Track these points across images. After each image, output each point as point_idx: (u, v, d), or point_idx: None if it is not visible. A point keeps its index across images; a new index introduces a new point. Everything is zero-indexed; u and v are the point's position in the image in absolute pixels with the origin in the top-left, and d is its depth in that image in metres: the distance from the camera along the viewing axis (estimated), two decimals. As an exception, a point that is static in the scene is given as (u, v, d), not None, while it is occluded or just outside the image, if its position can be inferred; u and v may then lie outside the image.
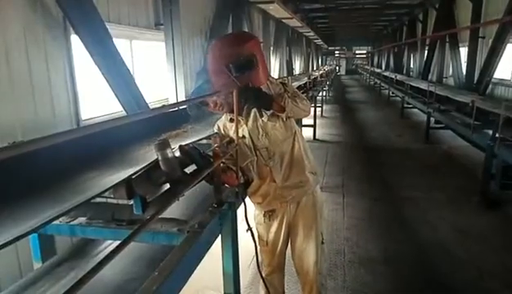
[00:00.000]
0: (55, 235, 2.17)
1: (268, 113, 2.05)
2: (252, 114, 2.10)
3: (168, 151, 1.61)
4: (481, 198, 5.01)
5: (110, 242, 2.21)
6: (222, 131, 2.21)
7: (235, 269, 2.04)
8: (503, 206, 4.88)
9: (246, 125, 2.12)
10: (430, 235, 4.21)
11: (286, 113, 2.02)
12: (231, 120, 2.11)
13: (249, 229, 2.14)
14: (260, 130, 2.11)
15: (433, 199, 5.25)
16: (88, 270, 1.11)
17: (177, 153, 1.76)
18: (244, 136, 2.12)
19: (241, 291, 3.24)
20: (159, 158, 1.63)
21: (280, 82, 2.12)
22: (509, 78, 9.04)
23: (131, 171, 1.82)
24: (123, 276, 1.92)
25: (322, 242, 2.36)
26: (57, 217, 1.52)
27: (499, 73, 8.82)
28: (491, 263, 3.62)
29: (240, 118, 2.04)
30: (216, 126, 2.28)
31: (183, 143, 2.25)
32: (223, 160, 1.85)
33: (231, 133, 2.11)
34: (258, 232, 2.43)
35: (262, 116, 2.09)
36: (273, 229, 2.36)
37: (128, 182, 1.78)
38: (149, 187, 1.79)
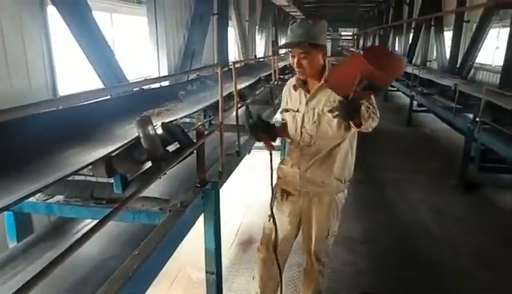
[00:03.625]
0: (32, 214, 2.11)
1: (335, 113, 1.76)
2: (316, 98, 1.97)
3: (150, 128, 1.56)
4: (460, 180, 5.12)
5: (90, 220, 2.16)
6: (288, 89, 2.12)
7: (217, 249, 2.03)
8: (481, 188, 5.00)
9: (306, 104, 2.00)
10: (410, 216, 4.30)
11: (360, 129, 1.86)
12: (295, 87, 2.04)
13: (272, 216, 2.09)
14: (315, 116, 1.97)
15: (414, 181, 5.34)
16: (64, 249, 1.07)
17: (160, 131, 1.71)
18: (298, 110, 2.02)
19: (223, 270, 3.27)
20: (141, 135, 1.58)
21: None
22: (490, 63, 9.17)
23: (111, 148, 1.76)
24: (103, 255, 1.88)
25: (327, 237, 2.22)
26: (32, 194, 1.47)
27: (481, 58, 8.92)
28: (466, 243, 3.73)
29: (303, 91, 1.99)
30: (286, 85, 2.17)
31: (166, 120, 2.20)
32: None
33: (287, 100, 2.08)
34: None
35: (330, 110, 1.85)
36: (284, 211, 2.23)
37: (107, 159, 1.73)
38: (130, 165, 1.75)
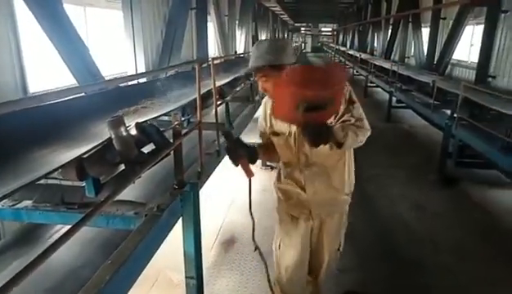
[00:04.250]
0: (-2, 219, 1.99)
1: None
2: None
3: (123, 129, 1.47)
4: (438, 175, 5.20)
5: (62, 226, 2.05)
6: (264, 111, 1.98)
7: (197, 253, 1.96)
8: (458, 183, 5.08)
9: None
10: (389, 211, 4.33)
11: (342, 149, 1.76)
12: None
13: (257, 248, 1.94)
14: None
15: (394, 177, 5.39)
16: (34, 258, 1.00)
17: (134, 132, 1.63)
18: (290, 134, 1.88)
19: (204, 272, 3.19)
20: (113, 137, 1.49)
21: (349, 99, 1.77)
22: (466, 59, 9.36)
23: (86, 148, 1.67)
24: (76, 262, 1.79)
25: (338, 249, 2.24)
26: None
27: (457, 55, 9.09)
28: (445, 238, 3.77)
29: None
30: (263, 103, 2.02)
31: (140, 120, 2.11)
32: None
33: (273, 123, 1.91)
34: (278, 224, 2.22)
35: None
36: (294, 235, 2.10)
37: (78, 162, 1.63)
38: (103, 167, 1.65)
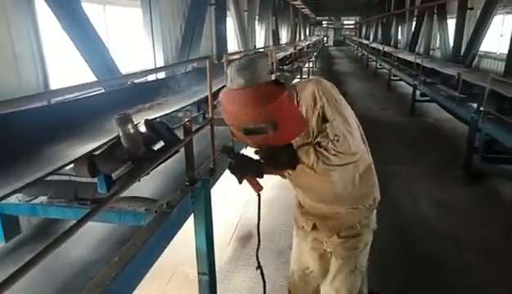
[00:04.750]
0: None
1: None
2: None
3: (130, 126, 1.47)
4: (463, 171, 5.02)
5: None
6: None
7: (209, 249, 1.95)
8: (484, 179, 4.89)
9: None
10: (411, 208, 4.21)
11: (316, 168, 1.54)
12: None
13: (259, 267, 1.82)
14: None
15: (416, 172, 5.25)
16: (39, 251, 1.01)
17: (143, 129, 1.63)
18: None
19: (220, 267, 3.21)
20: (120, 134, 1.49)
21: (322, 117, 1.49)
22: (495, 51, 8.99)
23: (96, 145, 1.69)
24: (90, 258, 1.81)
25: (352, 271, 1.86)
26: (14, 193, 1.40)
27: (485, 46, 8.74)
28: (468, 235, 3.64)
29: None
30: None
31: (154, 116, 2.12)
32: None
33: None
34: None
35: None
36: (309, 242, 1.95)
37: (90, 158, 1.65)
38: (113, 164, 1.66)
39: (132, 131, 1.49)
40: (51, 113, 2.63)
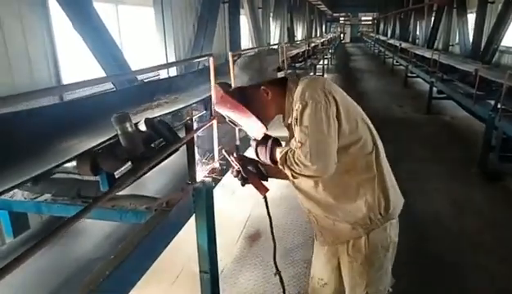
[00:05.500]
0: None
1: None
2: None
3: (128, 125, 1.48)
4: (480, 170, 4.89)
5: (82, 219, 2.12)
6: None
7: (210, 248, 1.95)
8: (501, 179, 4.75)
9: None
10: (426, 207, 4.12)
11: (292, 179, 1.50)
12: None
13: (278, 272, 1.76)
14: None
15: (432, 171, 5.14)
16: (30, 246, 1.03)
17: (144, 127, 1.64)
18: None
19: (228, 265, 3.22)
20: (119, 133, 1.50)
21: (301, 104, 1.37)
22: (517, 46, 8.72)
23: (92, 144, 1.71)
24: (93, 255, 1.84)
25: (367, 293, 1.66)
26: (18, 185, 1.44)
27: (507, 41, 8.47)
28: (484, 237, 3.54)
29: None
30: None
31: (162, 113, 2.13)
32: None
33: None
34: None
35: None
36: (323, 253, 1.84)
37: (92, 157, 1.67)
38: (115, 162, 1.68)
39: (130, 129, 1.50)
40: (62, 110, 2.70)
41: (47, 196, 1.84)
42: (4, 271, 0.91)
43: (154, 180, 2.38)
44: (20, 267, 1.86)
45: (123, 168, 1.74)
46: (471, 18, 9.81)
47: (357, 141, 1.46)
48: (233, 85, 1.57)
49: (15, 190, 1.92)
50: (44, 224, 2.18)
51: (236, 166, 1.60)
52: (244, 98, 1.48)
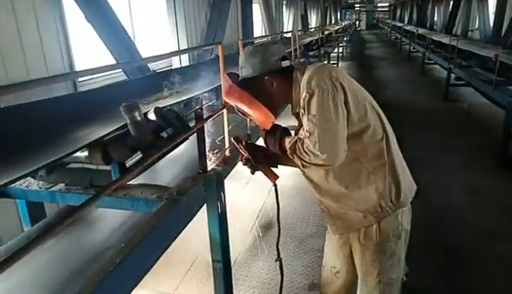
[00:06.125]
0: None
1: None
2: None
3: (137, 114, 1.48)
4: (499, 159, 4.76)
5: (95, 208, 2.15)
6: None
7: (222, 237, 1.95)
8: (522, 167, 4.62)
9: None
10: (442, 198, 4.04)
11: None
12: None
13: (279, 259, 1.77)
14: None
15: (449, 159, 5.03)
16: (38, 234, 1.05)
17: (153, 117, 1.63)
18: None
19: (242, 255, 3.23)
20: (128, 122, 1.50)
21: (308, 92, 1.35)
22: (540, 30, 8.38)
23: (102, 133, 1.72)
24: (105, 244, 1.86)
25: (379, 281, 1.62)
26: (18, 179, 1.46)
27: (529, 25, 8.17)
28: (503, 227, 3.46)
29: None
30: None
31: (167, 104, 2.13)
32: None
33: None
34: None
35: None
36: (330, 241, 1.86)
37: (103, 146, 1.68)
38: (125, 152, 1.68)
39: (138, 118, 1.50)
40: (75, 101, 2.74)
41: (61, 186, 1.86)
42: (16, 256, 0.92)
43: (167, 171, 2.40)
44: (36, 253, 1.90)
45: (134, 158, 1.75)
46: (492, 1, 9.48)
47: (366, 128, 1.43)
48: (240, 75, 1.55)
49: (31, 180, 1.95)
50: (60, 212, 2.22)
51: (245, 154, 1.59)
52: (251, 88, 1.48)
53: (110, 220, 2.07)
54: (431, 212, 3.71)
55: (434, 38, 10.73)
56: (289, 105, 1.58)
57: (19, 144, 1.66)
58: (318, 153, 1.29)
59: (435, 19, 15.99)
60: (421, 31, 13.65)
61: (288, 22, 11.93)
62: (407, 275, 1.77)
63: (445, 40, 9.15)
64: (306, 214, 3.78)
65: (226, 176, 2.05)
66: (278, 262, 1.77)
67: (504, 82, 5.33)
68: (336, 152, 1.30)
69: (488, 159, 4.93)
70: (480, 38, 9.98)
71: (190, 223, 1.87)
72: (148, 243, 1.37)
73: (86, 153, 1.71)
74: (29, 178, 1.94)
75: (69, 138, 1.80)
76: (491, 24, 9.31)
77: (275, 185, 1.66)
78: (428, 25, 16.65)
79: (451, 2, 12.77)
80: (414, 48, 14.63)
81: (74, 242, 1.89)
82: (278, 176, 1.64)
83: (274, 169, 1.67)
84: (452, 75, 8.10)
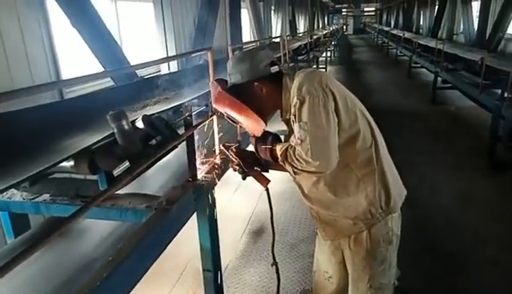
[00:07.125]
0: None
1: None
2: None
3: (124, 122, 1.44)
4: (487, 161, 4.81)
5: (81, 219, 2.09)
6: None
7: (213, 246, 1.92)
8: (509, 169, 4.68)
9: None
10: (431, 201, 4.06)
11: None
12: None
13: (275, 263, 1.77)
14: None
15: (437, 163, 5.07)
16: (24, 248, 1.01)
17: (141, 125, 1.60)
18: None
19: (233, 261, 3.19)
20: (115, 131, 1.46)
21: (298, 99, 1.34)
22: (523, 34, 8.58)
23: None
24: (93, 255, 1.81)
25: (370, 286, 1.63)
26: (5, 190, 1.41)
27: (512, 29, 8.34)
28: (493, 229, 3.48)
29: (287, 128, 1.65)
30: None
31: (155, 111, 2.09)
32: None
33: None
34: None
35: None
36: (324, 251, 1.84)
37: (89, 156, 1.64)
38: (112, 161, 1.64)
39: (126, 127, 1.46)
40: (60, 108, 2.67)
41: (46, 196, 1.81)
42: (3, 270, 0.88)
43: (156, 179, 2.35)
44: (21, 267, 1.84)
45: (122, 167, 1.71)
46: (475, 6, 9.65)
47: (357, 134, 1.43)
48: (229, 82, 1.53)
49: (14, 191, 1.89)
50: (45, 224, 2.16)
51: (236, 160, 1.57)
52: (240, 95, 1.46)
53: (97, 230, 2.02)
54: (420, 215, 3.73)
55: (421, 42, 10.87)
56: (279, 111, 1.57)
57: (0, 155, 1.61)
58: (310, 160, 1.28)
59: (421, 23, 16.23)
60: (408, 35, 13.83)
61: (276, 27, 11.97)
62: (399, 279, 1.77)
63: (431, 44, 9.28)
64: (297, 219, 3.77)
65: (216, 184, 2.02)
66: (274, 267, 1.76)
67: (489, 85, 5.41)
68: (328, 159, 1.30)
69: (476, 162, 4.97)
70: (465, 42, 10.15)
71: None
72: (137, 255, 1.34)
73: (72, 163, 1.66)
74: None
75: (54, 147, 1.75)
76: (476, 28, 9.48)
77: (267, 190, 1.65)
78: (414, 29, 16.88)
79: (436, 6, 12.98)
80: (401, 52, 14.80)
81: (61, 253, 1.84)
82: (270, 180, 1.64)
83: (265, 173, 1.67)
84: (439, 78, 8.20)
